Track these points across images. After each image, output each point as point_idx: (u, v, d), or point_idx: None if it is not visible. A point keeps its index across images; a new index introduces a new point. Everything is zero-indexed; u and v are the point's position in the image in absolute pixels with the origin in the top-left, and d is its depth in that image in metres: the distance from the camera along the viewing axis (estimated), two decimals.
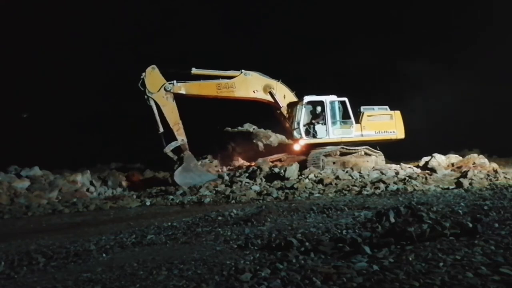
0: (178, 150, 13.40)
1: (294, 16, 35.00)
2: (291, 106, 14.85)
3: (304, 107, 14.34)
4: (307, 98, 14.47)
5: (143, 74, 13.35)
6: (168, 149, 13.20)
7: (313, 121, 14.50)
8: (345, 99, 14.54)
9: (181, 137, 13.35)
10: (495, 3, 26.48)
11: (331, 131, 14.28)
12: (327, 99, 14.43)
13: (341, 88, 15.50)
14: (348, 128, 14.43)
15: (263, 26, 33.53)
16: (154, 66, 13.53)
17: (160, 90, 13.40)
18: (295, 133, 14.55)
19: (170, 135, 13.41)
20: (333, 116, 14.44)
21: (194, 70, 13.98)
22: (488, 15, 26.91)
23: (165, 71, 13.68)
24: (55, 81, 29.40)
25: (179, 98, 13.95)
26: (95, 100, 28.28)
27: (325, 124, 14.32)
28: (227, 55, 26.98)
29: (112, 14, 31.34)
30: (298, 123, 14.32)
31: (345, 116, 14.60)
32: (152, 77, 13.43)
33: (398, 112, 14.93)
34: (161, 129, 13.22)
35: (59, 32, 31.17)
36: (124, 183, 14.72)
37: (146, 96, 13.29)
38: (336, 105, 14.56)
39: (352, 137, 14.42)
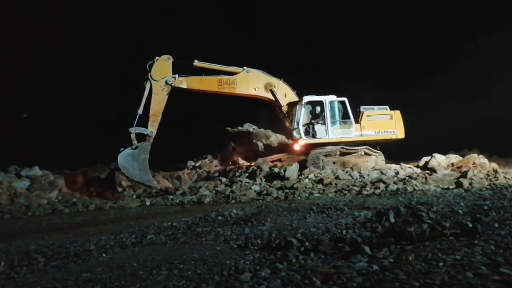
0: (142, 138, 13.26)
1: (307, 14, 34.81)
2: (291, 105, 14.86)
3: (303, 107, 14.35)
4: (306, 98, 14.49)
5: (156, 58, 13.59)
6: (134, 130, 13.06)
7: (313, 121, 14.52)
8: (345, 99, 14.54)
9: (151, 129, 13.27)
10: None
11: (331, 131, 14.29)
12: (327, 99, 14.44)
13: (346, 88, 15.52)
14: (347, 128, 14.43)
15: (267, 25, 33.51)
16: (170, 56, 13.77)
17: (161, 79, 13.53)
18: (294, 133, 14.58)
19: (146, 122, 13.34)
20: (333, 116, 14.44)
21: (197, 63, 14.04)
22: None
23: (177, 63, 13.80)
24: (55, 81, 29.43)
25: (180, 93, 13.98)
26: (95, 100, 28.29)
27: (324, 124, 14.33)
28: (231, 52, 26.98)
29: (113, 13, 31.35)
30: (298, 123, 14.35)
31: (344, 116, 14.61)
32: (162, 65, 13.63)
33: (398, 112, 14.90)
34: (140, 111, 13.23)
35: (59, 32, 31.20)
36: (124, 183, 14.71)
37: (146, 77, 13.44)
38: (336, 105, 14.56)
39: (352, 137, 14.42)
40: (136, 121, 13.16)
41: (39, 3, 31.37)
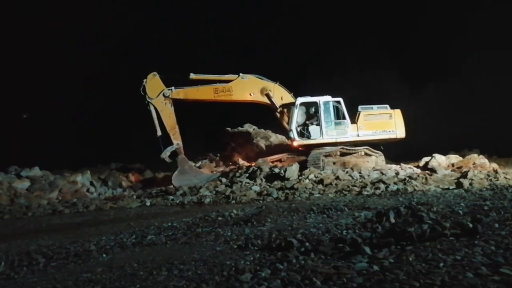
0: (175, 154, 13.95)
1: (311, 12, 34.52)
2: (287, 107, 14.91)
3: (297, 108, 14.37)
4: (300, 100, 14.54)
5: (144, 80, 14.01)
6: (165, 154, 13.80)
7: (307, 122, 14.55)
8: (340, 99, 14.50)
9: (176, 141, 13.92)
10: None
11: (325, 132, 14.27)
12: (321, 99, 14.44)
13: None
14: (342, 128, 14.37)
15: (265, 26, 33.39)
16: (155, 73, 14.21)
17: (159, 95, 14.03)
18: (290, 134, 14.65)
19: (168, 137, 13.99)
20: (327, 116, 14.42)
21: (193, 75, 14.45)
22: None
23: (165, 78, 14.28)
24: (55, 81, 29.44)
25: (178, 102, 14.36)
26: (95, 100, 28.30)
27: (319, 125, 14.33)
28: (227, 59, 27.02)
29: (113, 17, 31.36)
30: (292, 125, 14.37)
31: (340, 116, 14.54)
32: (152, 83, 14.08)
33: (398, 111, 14.62)
34: (159, 133, 13.86)
35: (60, 32, 31.20)
36: (124, 183, 14.74)
37: (146, 102, 13.94)
38: (331, 105, 14.53)
39: (347, 138, 14.33)
40: (162, 144, 13.82)
41: (39, 4, 31.43)
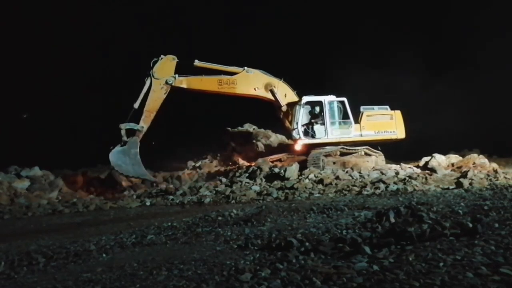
0: (132, 134, 13.38)
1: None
2: (291, 105, 14.88)
3: (302, 107, 14.36)
4: (305, 99, 14.51)
5: (162, 57, 13.77)
6: (125, 126, 13.20)
7: (312, 121, 14.53)
8: (344, 99, 14.52)
9: (142, 124, 13.43)
10: None
11: (330, 131, 14.28)
12: (326, 99, 14.43)
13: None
14: (347, 128, 14.40)
15: (268, 24, 33.36)
16: (175, 57, 13.97)
17: (162, 78, 13.72)
18: (294, 133, 14.61)
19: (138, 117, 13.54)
20: (332, 116, 14.43)
21: (197, 62, 14.18)
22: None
23: (180, 64, 13.98)
24: (55, 81, 29.43)
25: (180, 93, 14.19)
26: (95, 100, 28.30)
27: (323, 124, 14.32)
28: (233, 52, 26.96)
29: (113, 13, 31.36)
30: (297, 123, 14.36)
31: (344, 116, 14.58)
32: (166, 64, 13.84)
33: (398, 112, 14.82)
34: (137, 106, 13.40)
35: (60, 32, 31.21)
36: (124, 183, 14.71)
37: (148, 73, 13.63)
38: (335, 105, 14.54)
39: (351, 137, 14.38)
40: (130, 116, 13.29)
41: (39, 4, 31.43)
